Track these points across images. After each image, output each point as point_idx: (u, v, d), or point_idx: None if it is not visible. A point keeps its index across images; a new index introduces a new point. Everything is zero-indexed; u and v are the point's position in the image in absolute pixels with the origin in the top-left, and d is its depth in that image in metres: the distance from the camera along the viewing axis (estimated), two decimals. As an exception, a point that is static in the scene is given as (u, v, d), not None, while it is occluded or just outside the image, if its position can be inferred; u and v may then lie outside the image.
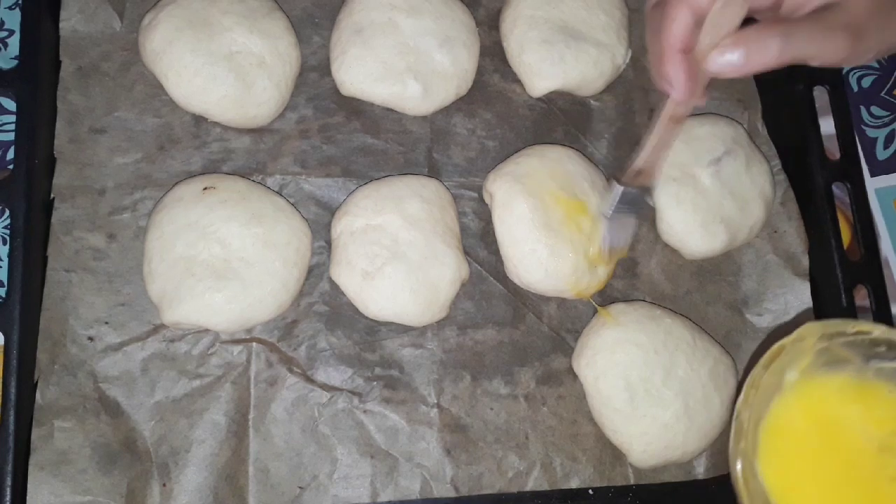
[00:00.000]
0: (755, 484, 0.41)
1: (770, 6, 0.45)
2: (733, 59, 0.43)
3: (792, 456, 0.43)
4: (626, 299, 0.61)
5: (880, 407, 0.44)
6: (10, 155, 0.54)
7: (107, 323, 0.54)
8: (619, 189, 0.54)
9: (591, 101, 0.65)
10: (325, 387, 0.55)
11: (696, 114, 0.65)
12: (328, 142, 0.60)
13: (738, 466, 0.41)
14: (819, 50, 0.42)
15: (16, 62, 0.55)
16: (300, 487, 0.53)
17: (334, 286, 0.57)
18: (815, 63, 0.43)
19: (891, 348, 0.42)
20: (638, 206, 0.55)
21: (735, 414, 0.42)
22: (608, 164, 0.64)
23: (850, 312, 0.60)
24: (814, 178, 0.63)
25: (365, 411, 0.55)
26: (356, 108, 0.61)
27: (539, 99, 0.64)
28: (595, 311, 0.59)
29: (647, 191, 0.55)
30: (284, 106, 0.60)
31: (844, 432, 0.43)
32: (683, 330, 0.58)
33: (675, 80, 0.46)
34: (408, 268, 0.55)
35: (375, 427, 0.55)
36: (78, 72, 0.57)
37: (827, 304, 0.62)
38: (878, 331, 0.42)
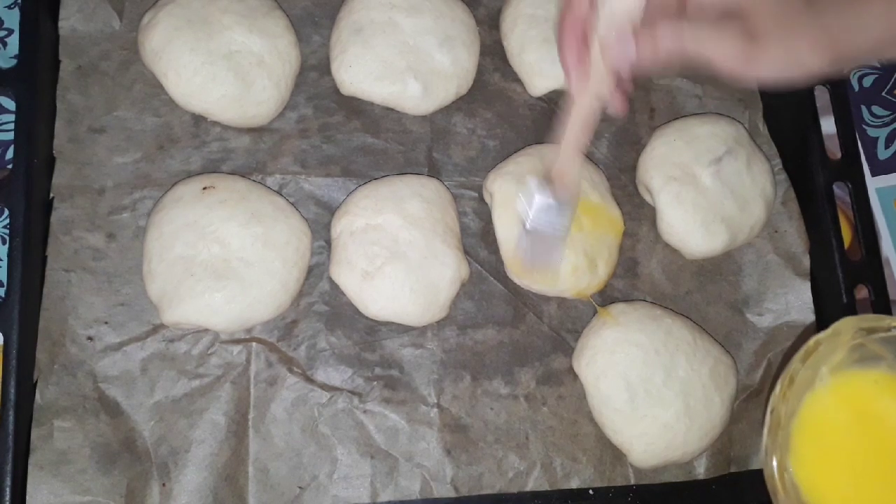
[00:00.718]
0: (789, 478, 0.41)
1: (673, 11, 0.44)
2: (623, 48, 0.42)
3: (825, 450, 0.43)
4: (627, 299, 0.61)
5: None
6: (10, 154, 0.54)
7: (106, 323, 0.54)
8: (534, 193, 0.49)
9: (592, 101, 0.65)
10: (325, 387, 0.55)
11: (697, 113, 0.65)
12: (328, 141, 0.60)
13: (774, 463, 0.41)
14: (713, 50, 0.41)
15: (15, 61, 0.55)
16: (300, 487, 0.53)
17: (334, 286, 0.57)
18: (716, 67, 0.41)
19: None
20: (556, 220, 0.50)
21: (770, 408, 0.42)
22: (608, 164, 0.64)
23: (851, 312, 0.60)
24: (815, 178, 0.63)
25: (365, 411, 0.55)
26: (356, 108, 0.61)
27: (539, 98, 0.64)
28: (595, 311, 0.59)
29: (563, 205, 0.50)
30: (284, 105, 0.59)
31: (878, 426, 0.43)
32: (684, 330, 0.58)
33: (568, 66, 0.46)
34: (408, 268, 0.54)
35: (375, 427, 0.55)
36: (77, 71, 0.57)
37: (828, 304, 0.61)
38: None
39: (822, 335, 0.42)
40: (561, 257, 0.54)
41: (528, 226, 0.50)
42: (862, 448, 0.43)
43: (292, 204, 0.57)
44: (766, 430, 0.42)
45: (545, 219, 0.50)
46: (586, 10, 0.43)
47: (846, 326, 0.43)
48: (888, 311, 0.60)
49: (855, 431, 0.43)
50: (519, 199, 0.51)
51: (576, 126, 0.47)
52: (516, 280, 0.58)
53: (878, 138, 0.73)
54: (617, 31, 0.42)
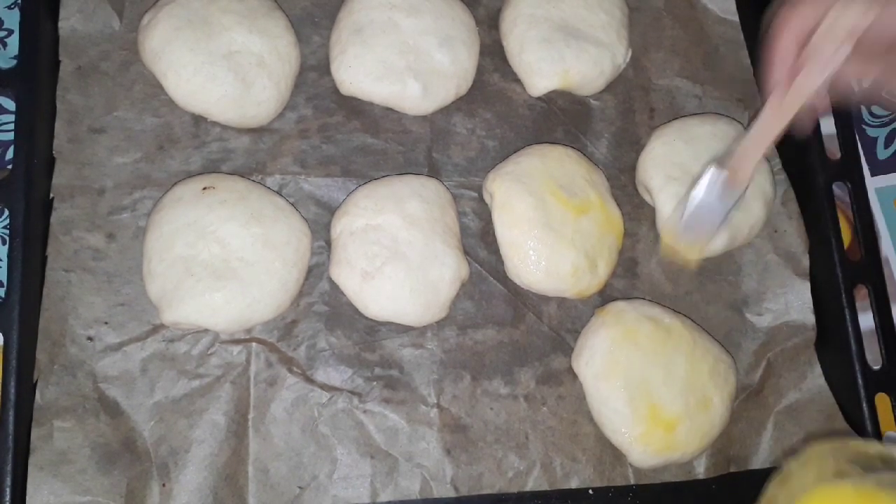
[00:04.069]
0: None
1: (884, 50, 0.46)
2: (836, 61, 0.45)
3: None
4: (627, 299, 0.61)
5: None
6: (10, 154, 0.54)
7: (106, 323, 0.54)
8: (710, 173, 0.52)
9: (591, 101, 0.65)
10: (325, 387, 0.55)
11: (696, 113, 0.65)
12: (328, 141, 0.60)
13: None
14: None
15: (15, 62, 0.55)
16: (300, 487, 0.53)
17: (334, 286, 0.57)
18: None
19: (885, 462, 0.43)
20: (718, 204, 0.54)
21: None
22: (608, 164, 0.64)
23: (851, 312, 0.60)
24: (814, 178, 0.63)
25: (365, 411, 0.55)
26: (356, 108, 0.61)
27: (539, 98, 0.64)
28: (595, 311, 0.59)
29: (730, 192, 0.53)
30: (284, 105, 0.59)
31: None
32: (683, 329, 0.58)
33: (776, 69, 0.48)
34: (407, 268, 0.54)
35: (375, 427, 0.55)
36: (77, 71, 0.57)
37: (827, 304, 0.62)
38: (874, 448, 0.43)
39: (793, 464, 0.43)
40: (711, 238, 0.57)
41: (685, 218, 0.54)
42: None
43: (292, 204, 0.57)
44: None
45: (709, 200, 0.53)
46: (811, 20, 0.46)
47: (816, 454, 0.43)
48: (888, 311, 0.60)
49: None
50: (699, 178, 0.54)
51: (768, 127, 0.50)
52: (667, 243, 0.59)
53: (877, 138, 0.73)
54: (837, 44, 0.45)
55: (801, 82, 0.48)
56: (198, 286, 0.52)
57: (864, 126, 0.73)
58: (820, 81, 0.47)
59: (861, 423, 0.58)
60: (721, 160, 0.54)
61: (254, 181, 0.57)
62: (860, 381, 0.59)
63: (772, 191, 0.62)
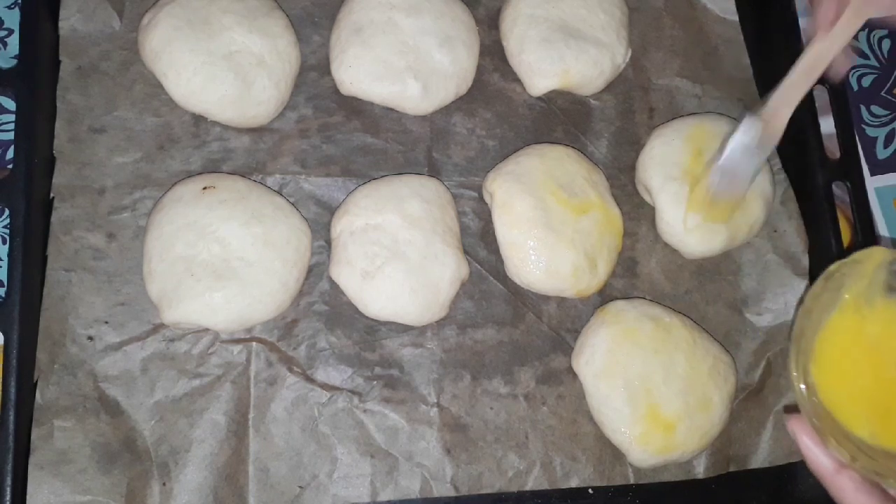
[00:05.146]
0: (811, 384, 0.42)
1: None
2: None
3: (845, 368, 0.43)
4: (626, 298, 0.61)
5: None
6: (10, 154, 0.54)
7: (106, 322, 0.54)
8: (745, 122, 0.51)
9: (591, 101, 0.65)
10: (325, 386, 0.55)
11: (696, 113, 0.65)
12: (328, 141, 0.60)
13: (802, 386, 0.42)
14: None
15: (15, 61, 0.55)
16: (300, 487, 0.53)
17: (334, 286, 0.57)
18: None
19: None
20: (747, 162, 0.53)
21: (796, 320, 0.43)
22: (608, 164, 0.64)
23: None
24: (814, 178, 0.63)
25: (365, 411, 0.55)
26: (356, 108, 0.61)
27: (539, 98, 0.64)
28: (595, 310, 0.59)
29: (760, 148, 0.52)
30: (284, 105, 0.60)
31: (892, 354, 0.43)
32: (683, 329, 0.58)
33: (822, 7, 0.46)
34: (407, 267, 0.55)
35: (375, 426, 0.55)
36: (77, 71, 0.57)
37: None
38: None
39: (845, 260, 0.43)
40: (741, 197, 0.55)
41: (721, 161, 0.52)
42: (876, 374, 0.43)
43: (292, 204, 0.57)
44: (792, 349, 0.43)
45: (739, 158, 0.52)
46: None
47: (868, 256, 0.43)
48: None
49: (871, 356, 0.43)
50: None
51: (805, 69, 0.48)
52: (696, 207, 0.58)
53: (877, 138, 0.73)
54: None
55: (841, 26, 0.46)
56: (198, 286, 0.52)
57: (863, 126, 0.73)
58: (859, 26, 0.46)
59: (860, 423, 0.58)
60: (755, 110, 0.53)
61: (254, 181, 0.58)
62: (860, 380, 0.59)
63: (771, 190, 0.63)
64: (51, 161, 0.55)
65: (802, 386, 0.42)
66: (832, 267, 0.44)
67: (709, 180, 0.55)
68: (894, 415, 0.42)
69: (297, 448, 0.54)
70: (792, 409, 0.55)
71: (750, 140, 0.52)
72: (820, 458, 0.41)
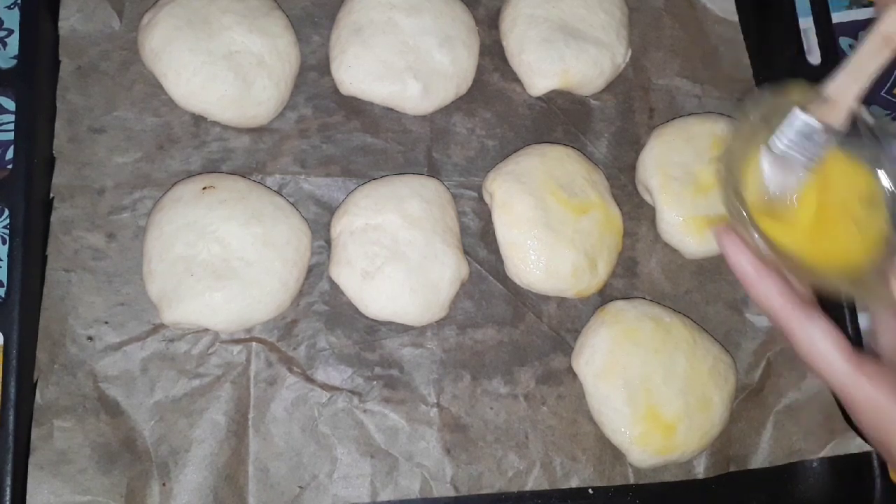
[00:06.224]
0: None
1: None
2: None
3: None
4: (626, 298, 0.61)
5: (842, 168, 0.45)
6: (10, 154, 0.54)
7: (106, 322, 0.54)
8: (796, 114, 0.43)
9: (591, 101, 0.65)
10: (325, 386, 0.55)
11: (696, 113, 0.65)
12: (328, 141, 0.60)
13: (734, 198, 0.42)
14: None
15: (15, 61, 0.55)
16: (300, 487, 0.53)
17: (334, 286, 0.57)
18: None
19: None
20: (813, 146, 0.44)
21: (728, 143, 0.44)
22: (608, 164, 0.64)
23: (851, 310, 0.60)
24: (814, 178, 0.63)
25: (365, 411, 0.55)
26: (356, 108, 0.61)
27: (539, 98, 0.64)
28: (595, 310, 0.59)
29: (829, 129, 0.44)
30: (284, 105, 0.59)
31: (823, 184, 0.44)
32: (683, 329, 0.58)
33: None
34: (407, 267, 0.54)
35: (375, 426, 0.55)
36: (77, 71, 0.57)
37: (827, 303, 0.61)
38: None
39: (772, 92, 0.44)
40: (799, 188, 0.46)
41: (778, 145, 0.44)
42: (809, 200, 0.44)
43: (292, 204, 0.57)
44: (723, 154, 0.44)
45: (799, 142, 0.44)
46: None
47: (788, 93, 0.44)
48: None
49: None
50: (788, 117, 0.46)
51: (875, 46, 0.43)
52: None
53: (877, 138, 0.73)
54: None
55: None
56: (198, 286, 0.52)
57: (863, 126, 0.73)
58: None
59: (861, 423, 0.58)
60: (814, 98, 0.45)
61: (254, 181, 0.58)
62: (860, 380, 0.59)
63: (771, 190, 0.62)
64: (50, 161, 0.55)
65: (733, 197, 0.42)
66: (765, 94, 0.44)
67: (761, 170, 0.46)
68: (818, 237, 0.43)
69: (296, 448, 0.54)
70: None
71: (812, 120, 0.44)
72: (743, 261, 0.42)
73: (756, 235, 0.42)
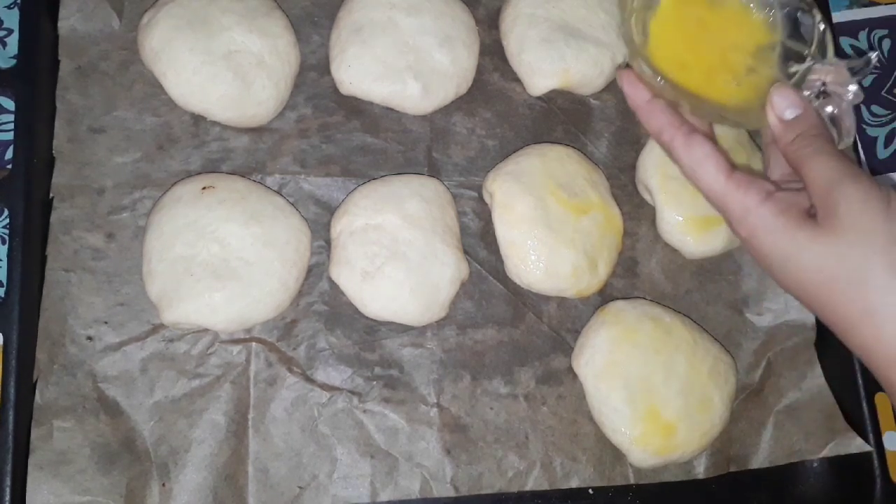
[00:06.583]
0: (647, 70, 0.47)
1: None
2: None
3: (676, 38, 0.48)
4: (627, 298, 0.60)
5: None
6: (9, 154, 0.54)
7: (106, 323, 0.54)
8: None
9: (591, 100, 0.65)
10: (325, 386, 0.55)
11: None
12: (327, 141, 0.60)
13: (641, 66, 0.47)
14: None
15: (14, 61, 0.55)
16: (300, 487, 0.53)
17: (334, 286, 0.57)
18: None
19: None
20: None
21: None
22: (608, 164, 0.64)
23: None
24: (814, 178, 0.63)
25: (365, 411, 0.55)
26: (356, 108, 0.61)
27: (539, 98, 0.64)
28: (595, 310, 0.59)
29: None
30: (284, 105, 0.59)
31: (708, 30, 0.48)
32: (683, 329, 0.58)
33: None
34: (407, 267, 0.54)
35: (375, 427, 0.55)
36: (77, 71, 0.57)
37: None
38: None
39: None
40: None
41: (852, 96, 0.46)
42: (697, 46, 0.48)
43: (292, 204, 0.57)
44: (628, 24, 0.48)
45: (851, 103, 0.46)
46: None
47: None
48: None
49: (694, 30, 0.48)
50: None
51: None
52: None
53: (877, 138, 0.73)
54: None
55: None
56: (198, 286, 0.52)
57: (863, 126, 0.73)
58: None
59: (861, 423, 0.58)
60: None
61: (254, 181, 0.57)
62: (860, 380, 0.59)
63: (772, 190, 0.62)
64: (50, 161, 0.55)
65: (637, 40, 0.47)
66: None
67: (849, 118, 0.47)
68: (716, 72, 0.47)
69: (296, 448, 0.54)
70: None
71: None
72: (637, 92, 0.48)
73: (647, 69, 0.46)
